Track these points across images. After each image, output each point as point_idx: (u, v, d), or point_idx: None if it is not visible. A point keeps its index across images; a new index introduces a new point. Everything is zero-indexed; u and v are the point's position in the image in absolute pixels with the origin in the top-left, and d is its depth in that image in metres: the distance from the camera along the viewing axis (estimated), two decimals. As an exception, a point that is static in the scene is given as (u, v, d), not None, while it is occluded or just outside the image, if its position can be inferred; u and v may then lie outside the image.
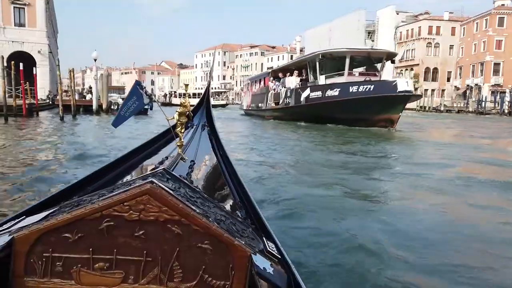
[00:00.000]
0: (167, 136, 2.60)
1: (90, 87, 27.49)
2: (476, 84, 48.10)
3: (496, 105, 41.22)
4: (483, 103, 41.62)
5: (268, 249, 1.19)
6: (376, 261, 2.72)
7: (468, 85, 49.46)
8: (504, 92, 42.16)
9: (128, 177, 1.87)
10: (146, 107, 19.89)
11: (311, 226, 3.43)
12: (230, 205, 1.71)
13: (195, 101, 3.69)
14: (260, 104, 24.32)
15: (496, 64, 46.84)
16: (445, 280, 2.55)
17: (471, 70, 50.15)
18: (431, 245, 3.12)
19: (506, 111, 39.06)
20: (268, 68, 29.89)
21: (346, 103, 15.48)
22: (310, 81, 19.19)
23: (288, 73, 21.25)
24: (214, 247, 0.99)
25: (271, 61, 75.71)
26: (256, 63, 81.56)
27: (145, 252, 1.00)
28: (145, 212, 0.98)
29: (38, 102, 21.12)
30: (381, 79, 17.53)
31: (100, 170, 1.95)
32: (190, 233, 0.99)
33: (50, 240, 0.99)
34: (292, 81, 20.13)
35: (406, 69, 55.09)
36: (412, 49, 55.10)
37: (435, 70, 54.10)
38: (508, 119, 32.52)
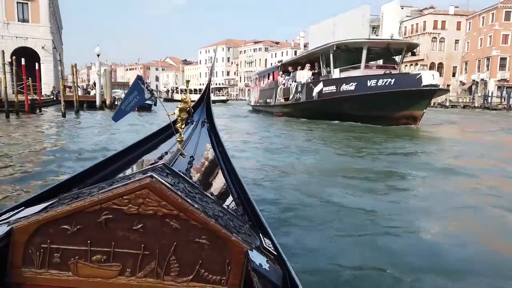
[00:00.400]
0: (167, 131, 2.61)
1: (95, 83, 27.54)
2: (482, 79, 47.67)
3: (503, 100, 40.82)
4: (490, 98, 41.25)
5: (265, 245, 1.20)
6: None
7: (474, 80, 49.02)
8: (511, 87, 41.79)
9: (128, 171, 1.88)
10: (149, 102, 19.91)
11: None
12: (228, 201, 1.71)
13: (197, 97, 3.68)
14: (268, 100, 23.03)
15: (503, 59, 46.33)
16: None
17: (477, 65, 49.66)
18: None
19: (513, 106, 38.77)
20: (278, 62, 28.81)
21: (363, 99, 14.03)
22: (323, 74, 17.95)
23: (299, 67, 19.75)
24: (211, 243, 1.00)
25: (275, 56, 75.48)
26: (260, 59, 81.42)
27: (143, 245, 1.00)
28: (144, 206, 0.99)
29: (42, 98, 21.11)
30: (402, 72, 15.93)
31: (100, 163, 1.96)
32: (188, 228, 1.00)
33: (48, 231, 0.99)
34: (304, 75, 18.74)
35: (411, 64, 54.71)
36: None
37: (440, 65, 53.59)
38: (516, 114, 31.85)
